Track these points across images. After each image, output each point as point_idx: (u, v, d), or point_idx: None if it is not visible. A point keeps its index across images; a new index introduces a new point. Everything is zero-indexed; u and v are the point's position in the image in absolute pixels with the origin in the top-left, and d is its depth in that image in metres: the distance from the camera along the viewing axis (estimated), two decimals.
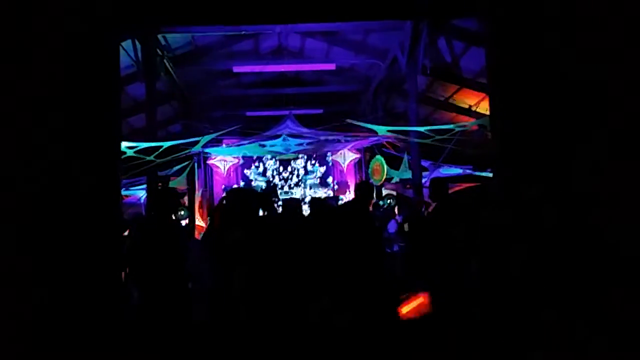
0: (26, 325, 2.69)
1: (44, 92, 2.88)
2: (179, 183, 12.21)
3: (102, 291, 2.86)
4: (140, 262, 3.48)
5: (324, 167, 14.19)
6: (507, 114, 3.15)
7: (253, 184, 13.80)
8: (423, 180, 9.88)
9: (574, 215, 2.94)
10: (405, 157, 11.85)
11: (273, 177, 13.95)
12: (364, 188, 4.72)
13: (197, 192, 13.00)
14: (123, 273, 4.17)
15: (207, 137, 10.83)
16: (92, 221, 2.89)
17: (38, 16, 2.89)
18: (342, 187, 14.33)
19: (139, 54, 9.07)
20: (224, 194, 3.75)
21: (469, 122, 10.60)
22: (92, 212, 2.89)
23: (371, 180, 12.82)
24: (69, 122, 2.90)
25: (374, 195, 4.88)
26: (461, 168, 11.82)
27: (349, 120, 10.61)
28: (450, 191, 10.40)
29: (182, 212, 10.98)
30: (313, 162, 14.09)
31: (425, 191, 9.53)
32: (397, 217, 7.45)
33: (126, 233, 5.64)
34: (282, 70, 12.25)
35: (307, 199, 13.23)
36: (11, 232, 2.75)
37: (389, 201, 10.33)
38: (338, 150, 13.84)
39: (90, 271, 2.84)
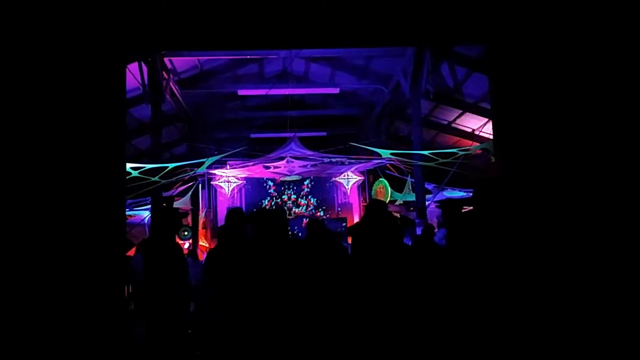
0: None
1: (51, 112, 2.93)
2: (183, 203, 12.23)
3: (105, 308, 2.86)
4: (145, 286, 3.48)
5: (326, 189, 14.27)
6: (511, 138, 3.18)
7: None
8: (426, 203, 9.87)
9: (578, 234, 2.95)
10: (409, 180, 11.87)
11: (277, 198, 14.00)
12: (376, 206, 4.68)
13: (201, 212, 13.02)
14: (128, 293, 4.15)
15: (212, 159, 10.90)
16: (97, 240, 2.90)
17: (46, 38, 2.96)
18: (345, 209, 14.34)
19: (145, 77, 9.21)
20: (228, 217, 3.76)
21: (472, 145, 10.64)
22: (97, 231, 2.91)
23: None
24: (75, 142, 2.94)
25: (385, 213, 4.81)
26: (465, 191, 11.81)
27: (352, 144, 10.67)
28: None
29: (186, 232, 10.98)
30: (313, 183, 14.17)
31: (429, 213, 9.53)
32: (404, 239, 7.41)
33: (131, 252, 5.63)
34: (287, 93, 12.38)
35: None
36: (17, 248, 2.76)
37: None
38: (341, 173, 13.88)
39: (94, 288, 2.84)
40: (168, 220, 3.61)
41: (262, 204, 13.86)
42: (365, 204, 14.15)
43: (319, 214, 14.02)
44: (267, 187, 14.21)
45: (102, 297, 2.86)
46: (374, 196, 13.03)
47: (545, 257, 2.97)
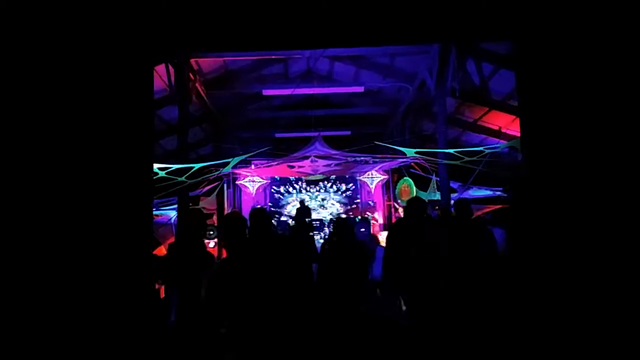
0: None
1: (82, 115, 3.01)
2: (208, 203, 12.38)
3: (133, 304, 2.92)
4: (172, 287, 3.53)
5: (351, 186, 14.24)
6: (539, 136, 3.12)
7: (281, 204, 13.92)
8: (452, 202, 9.75)
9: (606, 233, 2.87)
10: (434, 179, 11.74)
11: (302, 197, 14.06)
12: (416, 204, 4.65)
13: (226, 212, 13.17)
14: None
15: (237, 159, 11.00)
16: (124, 238, 2.97)
17: (77, 42, 3.04)
18: (370, 207, 14.28)
19: (172, 78, 9.35)
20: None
21: (499, 144, 10.46)
22: (125, 230, 2.98)
23: (399, 201, 12.73)
24: (105, 143, 3.01)
25: (425, 211, 4.74)
26: (491, 190, 11.63)
27: (377, 142, 10.62)
28: (480, 213, 10.27)
29: (212, 232, 11.12)
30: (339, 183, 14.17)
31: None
32: None
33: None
34: (311, 92, 12.41)
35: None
36: (47, 246, 2.85)
37: None
38: (366, 172, 13.82)
39: (122, 284, 2.91)
40: (194, 223, 3.66)
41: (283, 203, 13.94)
42: (389, 203, 14.08)
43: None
44: (292, 186, 14.28)
45: (129, 294, 2.93)
46: (397, 195, 12.94)
47: (568, 259, 2.91)
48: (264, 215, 3.27)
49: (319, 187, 14.26)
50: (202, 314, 3.21)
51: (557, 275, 2.94)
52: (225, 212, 13.15)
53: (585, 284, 2.89)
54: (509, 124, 11.98)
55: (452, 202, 9.77)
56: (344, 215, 13.90)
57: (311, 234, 9.32)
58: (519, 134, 3.61)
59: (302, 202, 13.65)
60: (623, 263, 2.84)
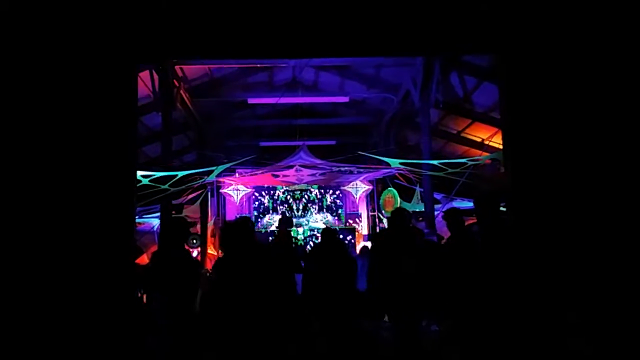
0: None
1: (64, 121, 2.97)
2: (192, 212, 12.27)
3: (114, 311, 2.87)
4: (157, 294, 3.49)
5: (334, 196, 14.25)
6: (520, 148, 3.16)
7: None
8: (435, 213, 9.82)
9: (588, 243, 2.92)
10: (418, 190, 11.82)
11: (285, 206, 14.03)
12: (399, 215, 4.68)
13: (209, 220, 13.05)
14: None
15: (221, 167, 10.94)
16: (106, 246, 2.93)
17: (60, 47, 3.01)
18: (354, 217, 14.29)
19: (156, 85, 9.29)
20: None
21: (481, 155, 10.59)
22: (107, 238, 2.93)
23: (383, 211, 12.77)
24: (87, 150, 2.98)
25: (409, 221, 4.77)
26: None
27: (361, 153, 10.65)
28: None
29: (194, 241, 11.01)
30: (322, 191, 14.18)
31: (438, 223, 9.48)
32: None
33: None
34: (296, 102, 12.42)
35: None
36: (28, 252, 2.79)
37: None
38: (350, 182, 13.86)
39: (104, 292, 2.86)
40: (177, 230, 3.63)
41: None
42: (374, 213, 14.10)
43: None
44: (276, 196, 14.24)
45: (110, 301, 2.88)
46: (382, 206, 12.98)
47: (552, 266, 2.95)
48: (248, 226, 3.29)
49: (303, 196, 14.23)
50: (196, 322, 3.21)
51: (538, 284, 2.97)
52: (209, 220, 13.03)
53: (568, 292, 2.92)
54: (492, 136, 12.15)
55: (437, 212, 9.85)
56: (324, 226, 13.89)
57: (294, 244, 9.30)
58: (501, 147, 3.65)
59: (283, 213, 13.63)
60: (602, 267, 2.89)
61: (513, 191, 3.17)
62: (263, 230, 13.23)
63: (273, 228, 13.16)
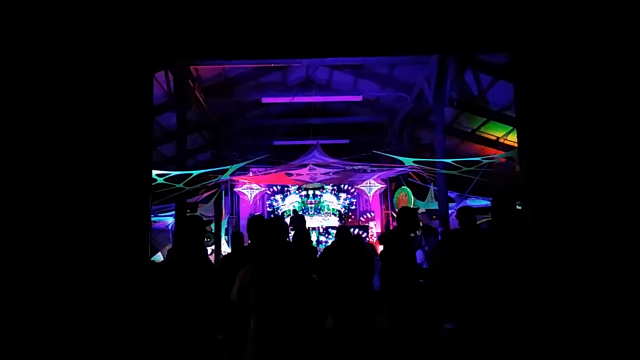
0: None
1: (81, 121, 3.02)
2: (206, 210, 12.36)
3: (129, 309, 2.91)
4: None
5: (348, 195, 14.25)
6: (536, 146, 3.14)
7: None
8: (449, 212, 9.77)
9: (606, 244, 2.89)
10: (432, 188, 11.76)
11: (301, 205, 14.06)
12: (406, 214, 4.70)
13: (223, 219, 13.14)
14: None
15: (236, 166, 11.00)
16: (122, 244, 2.97)
17: (77, 48, 3.06)
18: (368, 216, 14.28)
19: (172, 85, 9.38)
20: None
21: (497, 154, 10.50)
22: (122, 236, 2.98)
23: (396, 210, 12.73)
24: (103, 149, 3.02)
25: (416, 221, 4.79)
26: (489, 200, 11.64)
27: (375, 151, 10.64)
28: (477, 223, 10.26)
29: (208, 239, 11.10)
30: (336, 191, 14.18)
31: (451, 222, 9.43)
32: (424, 247, 7.34)
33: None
34: (310, 101, 12.44)
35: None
36: (44, 251, 2.85)
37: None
38: (364, 180, 13.84)
39: (120, 291, 2.90)
40: (193, 229, 3.61)
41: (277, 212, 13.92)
42: (387, 211, 14.07)
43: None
44: (289, 194, 14.27)
45: (127, 299, 2.92)
46: (395, 204, 12.94)
47: (571, 263, 2.92)
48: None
49: (316, 195, 14.23)
50: (233, 309, 3.25)
51: (557, 284, 2.95)
52: (223, 219, 13.12)
53: (581, 290, 2.90)
54: (507, 135, 12.03)
55: (451, 211, 9.80)
56: (338, 224, 13.88)
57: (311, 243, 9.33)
58: (516, 145, 3.62)
59: (295, 211, 13.64)
60: (621, 267, 2.86)
61: (530, 189, 3.14)
62: None
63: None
